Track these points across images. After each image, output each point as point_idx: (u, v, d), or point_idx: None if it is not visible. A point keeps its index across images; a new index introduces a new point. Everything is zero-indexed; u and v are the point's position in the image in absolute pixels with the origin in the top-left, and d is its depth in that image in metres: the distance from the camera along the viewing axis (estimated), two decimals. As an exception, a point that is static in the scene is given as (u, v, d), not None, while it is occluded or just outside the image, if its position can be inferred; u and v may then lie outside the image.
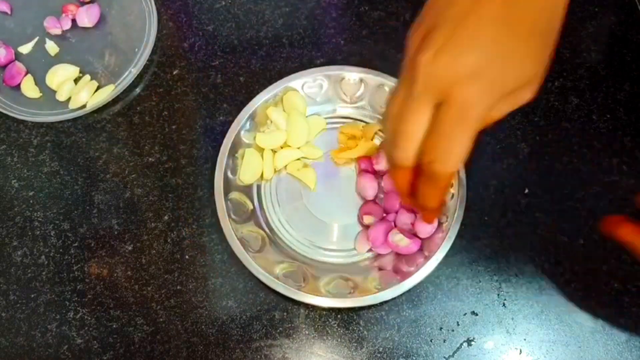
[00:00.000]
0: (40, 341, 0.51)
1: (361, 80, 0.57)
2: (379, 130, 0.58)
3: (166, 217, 0.55)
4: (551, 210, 0.55)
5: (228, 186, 0.53)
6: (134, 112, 0.60)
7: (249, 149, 0.56)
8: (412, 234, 0.52)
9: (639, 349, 0.50)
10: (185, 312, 0.52)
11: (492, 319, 0.51)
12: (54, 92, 0.60)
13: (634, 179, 0.56)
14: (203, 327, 0.51)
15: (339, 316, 0.52)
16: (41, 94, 0.60)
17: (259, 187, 0.56)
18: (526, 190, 0.56)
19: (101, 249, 0.54)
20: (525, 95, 0.36)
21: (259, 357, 0.50)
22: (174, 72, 0.62)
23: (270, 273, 0.49)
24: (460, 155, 0.35)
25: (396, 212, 0.53)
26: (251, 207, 0.55)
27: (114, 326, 0.51)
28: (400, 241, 0.51)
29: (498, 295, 0.52)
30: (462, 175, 0.52)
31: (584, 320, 0.51)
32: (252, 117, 0.56)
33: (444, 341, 0.51)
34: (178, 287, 0.53)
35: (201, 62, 0.62)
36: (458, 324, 0.51)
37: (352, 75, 0.57)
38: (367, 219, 0.53)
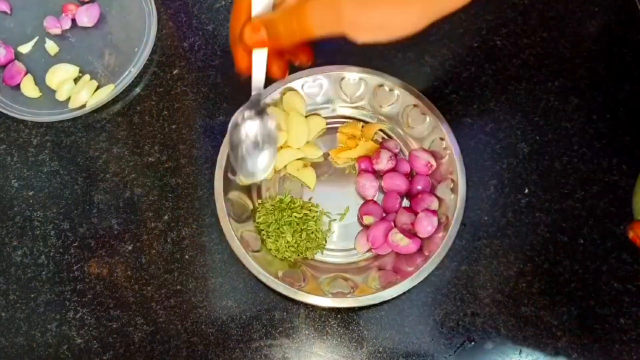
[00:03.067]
0: (40, 341, 0.51)
1: (361, 80, 0.57)
2: (379, 129, 0.58)
3: (166, 217, 0.55)
4: (551, 210, 0.55)
5: (228, 186, 0.53)
6: (133, 111, 0.60)
7: (249, 148, 0.56)
8: (412, 233, 0.52)
9: (639, 350, 0.50)
10: (185, 312, 0.52)
11: (492, 319, 0.51)
12: (54, 91, 0.60)
13: (634, 179, 0.56)
14: (203, 327, 0.51)
15: (339, 316, 0.52)
16: (41, 94, 0.60)
17: (259, 187, 0.56)
18: (526, 190, 0.56)
19: (101, 248, 0.54)
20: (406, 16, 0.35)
21: (258, 357, 0.50)
22: (174, 72, 0.62)
23: (270, 273, 0.49)
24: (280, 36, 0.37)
25: (396, 212, 0.53)
26: (251, 207, 0.55)
27: (114, 326, 0.51)
28: (400, 241, 0.51)
29: (498, 295, 0.52)
30: (462, 175, 0.52)
31: (583, 320, 0.51)
32: (252, 117, 0.56)
33: (444, 341, 0.51)
34: (178, 287, 0.53)
35: (201, 61, 0.62)
36: (458, 324, 0.51)
37: (352, 75, 0.57)
38: (367, 219, 0.53)
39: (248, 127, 0.46)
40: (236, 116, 0.46)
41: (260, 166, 0.47)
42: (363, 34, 0.36)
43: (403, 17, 0.34)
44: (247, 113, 0.45)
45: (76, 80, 0.61)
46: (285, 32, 0.37)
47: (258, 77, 0.43)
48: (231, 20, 0.41)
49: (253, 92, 0.44)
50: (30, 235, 0.55)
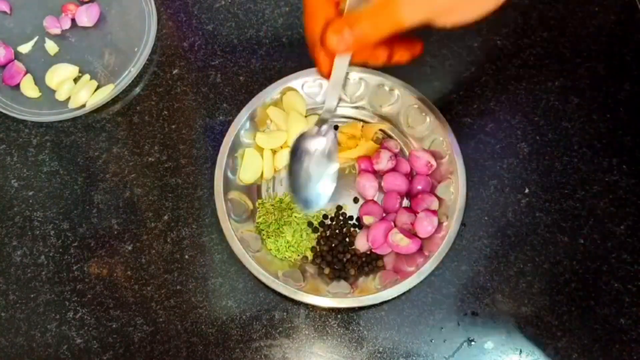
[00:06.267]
0: (40, 341, 0.51)
1: (361, 80, 0.57)
2: (379, 129, 0.58)
3: (166, 217, 0.55)
4: (551, 210, 0.55)
5: (228, 186, 0.53)
6: (133, 111, 0.60)
7: (249, 148, 0.56)
8: (412, 233, 0.52)
9: (639, 349, 0.50)
10: (185, 312, 0.52)
11: (492, 319, 0.51)
12: (54, 91, 0.60)
13: (634, 179, 0.56)
14: (203, 327, 0.51)
15: (339, 316, 0.52)
16: (41, 94, 0.60)
17: (259, 187, 0.56)
18: (526, 190, 0.56)
19: (101, 248, 0.54)
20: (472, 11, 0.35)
21: (258, 357, 0.50)
22: (174, 72, 0.62)
23: (270, 273, 0.49)
24: (363, 37, 0.35)
25: (396, 212, 0.53)
26: (251, 207, 0.55)
27: (114, 326, 0.51)
28: (401, 241, 0.51)
29: (498, 295, 0.52)
30: (462, 175, 0.52)
31: (583, 320, 0.51)
32: (252, 116, 0.56)
33: (444, 341, 0.51)
34: (178, 287, 0.53)
35: (201, 61, 0.62)
36: (458, 324, 0.51)
37: (352, 75, 0.57)
38: (367, 219, 0.53)
39: (313, 143, 0.46)
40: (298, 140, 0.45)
41: (322, 191, 0.46)
42: (453, 16, 0.35)
43: None
44: (314, 130, 0.45)
45: (76, 80, 0.61)
46: (372, 28, 0.34)
47: (334, 89, 0.41)
48: (306, 21, 0.38)
49: (325, 109, 0.42)
50: (30, 235, 0.55)
